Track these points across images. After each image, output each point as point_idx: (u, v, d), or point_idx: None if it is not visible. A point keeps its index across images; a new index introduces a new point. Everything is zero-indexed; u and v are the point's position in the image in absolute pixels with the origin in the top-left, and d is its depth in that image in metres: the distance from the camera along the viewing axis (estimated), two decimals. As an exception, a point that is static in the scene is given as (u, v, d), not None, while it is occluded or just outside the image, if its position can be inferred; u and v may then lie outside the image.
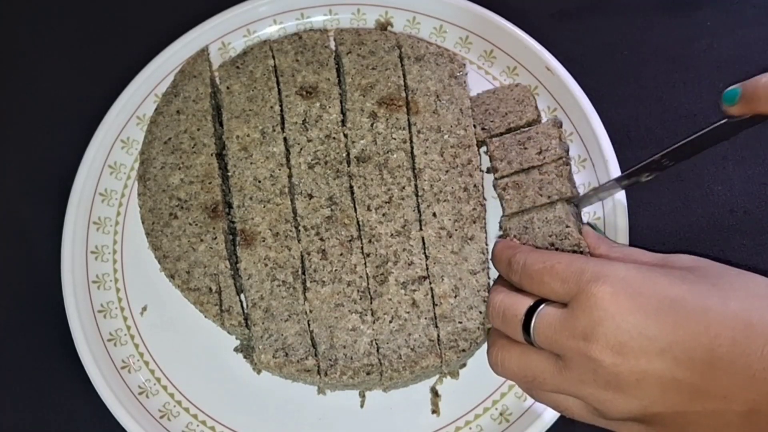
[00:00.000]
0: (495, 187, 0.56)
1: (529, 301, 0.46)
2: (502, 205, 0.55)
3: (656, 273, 0.44)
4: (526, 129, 0.56)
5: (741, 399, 0.39)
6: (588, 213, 0.56)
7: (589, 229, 0.53)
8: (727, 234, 0.57)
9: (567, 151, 0.56)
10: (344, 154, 0.56)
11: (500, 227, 0.55)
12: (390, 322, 0.52)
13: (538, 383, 0.46)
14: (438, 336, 0.52)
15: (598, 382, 0.42)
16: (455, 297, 0.53)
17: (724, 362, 0.39)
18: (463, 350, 0.51)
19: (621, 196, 0.55)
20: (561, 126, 0.57)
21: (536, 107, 0.58)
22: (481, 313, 0.52)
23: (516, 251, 0.50)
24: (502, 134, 0.57)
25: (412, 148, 0.56)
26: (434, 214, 0.54)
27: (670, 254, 0.48)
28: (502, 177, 0.55)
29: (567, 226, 0.52)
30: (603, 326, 0.41)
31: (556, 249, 0.52)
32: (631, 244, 0.54)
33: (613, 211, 0.55)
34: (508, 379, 0.53)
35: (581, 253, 0.52)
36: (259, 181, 0.56)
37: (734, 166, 0.59)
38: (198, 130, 0.58)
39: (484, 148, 0.58)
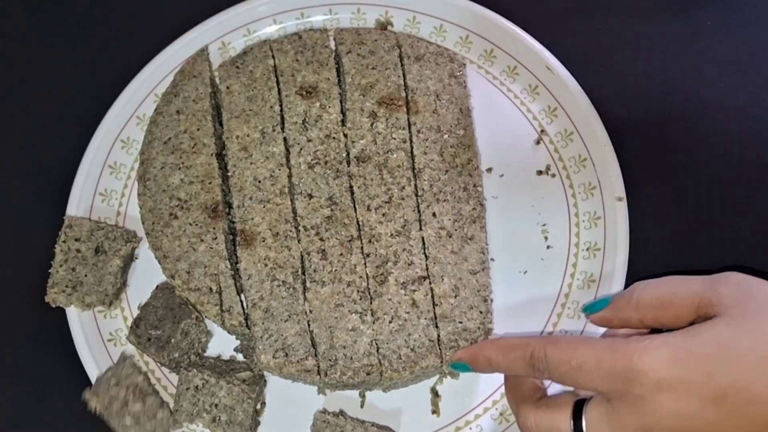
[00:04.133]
0: None
1: (567, 414, 0.44)
2: None
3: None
4: None
5: None
6: (588, 213, 0.56)
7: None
8: (727, 234, 0.57)
9: None
10: (344, 154, 0.56)
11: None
12: (390, 322, 0.52)
13: None
14: (438, 336, 0.52)
15: None
16: (455, 297, 0.52)
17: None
18: (463, 350, 0.51)
19: (621, 194, 0.55)
20: None
21: None
22: (481, 313, 0.52)
23: (528, 348, 0.45)
24: None
25: (411, 147, 0.56)
26: (434, 214, 0.54)
27: (715, 278, 0.43)
28: None
29: None
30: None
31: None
32: (631, 245, 0.54)
33: (613, 211, 0.55)
34: None
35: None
36: (259, 181, 0.56)
37: (734, 165, 0.59)
38: (198, 130, 0.58)
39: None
